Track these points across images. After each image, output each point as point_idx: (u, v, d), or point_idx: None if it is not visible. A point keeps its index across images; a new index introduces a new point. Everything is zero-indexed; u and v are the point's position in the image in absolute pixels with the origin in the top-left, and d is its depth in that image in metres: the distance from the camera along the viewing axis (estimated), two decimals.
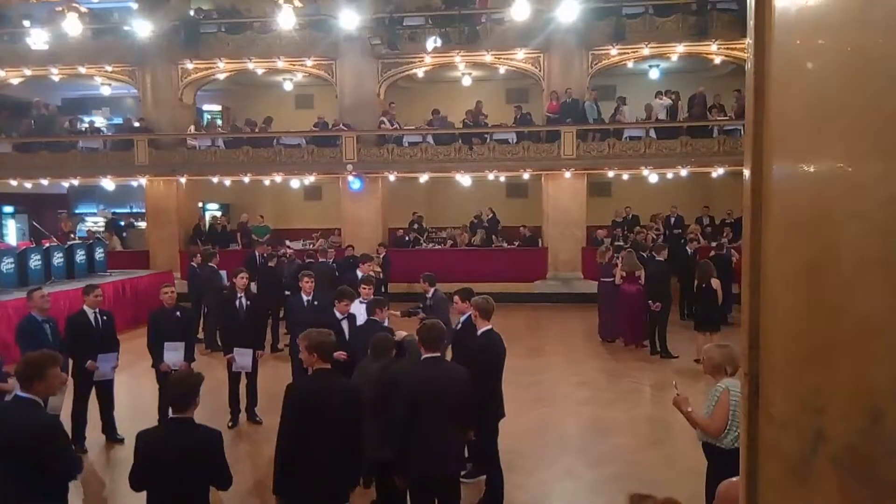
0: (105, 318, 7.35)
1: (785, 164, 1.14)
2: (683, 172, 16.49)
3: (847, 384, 0.93)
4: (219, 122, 20.76)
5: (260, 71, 17.99)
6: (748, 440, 1.19)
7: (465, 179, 17.31)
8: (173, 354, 7.27)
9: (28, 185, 18.28)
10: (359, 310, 7.30)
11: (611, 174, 17.23)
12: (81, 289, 7.74)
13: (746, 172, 1.23)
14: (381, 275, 12.69)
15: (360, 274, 9.97)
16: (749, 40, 1.24)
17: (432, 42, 16.15)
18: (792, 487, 1.07)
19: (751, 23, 1.23)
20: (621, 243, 14.57)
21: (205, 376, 3.86)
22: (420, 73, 17.86)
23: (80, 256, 14.03)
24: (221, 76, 18.41)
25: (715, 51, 16.48)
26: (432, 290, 8.18)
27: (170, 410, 3.75)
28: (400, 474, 4.48)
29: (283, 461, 4.03)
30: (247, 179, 17.86)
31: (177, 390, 3.67)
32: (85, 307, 7.24)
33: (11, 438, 3.65)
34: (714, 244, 14.62)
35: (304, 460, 3.97)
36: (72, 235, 17.79)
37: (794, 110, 1.12)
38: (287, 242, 16.54)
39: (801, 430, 1.03)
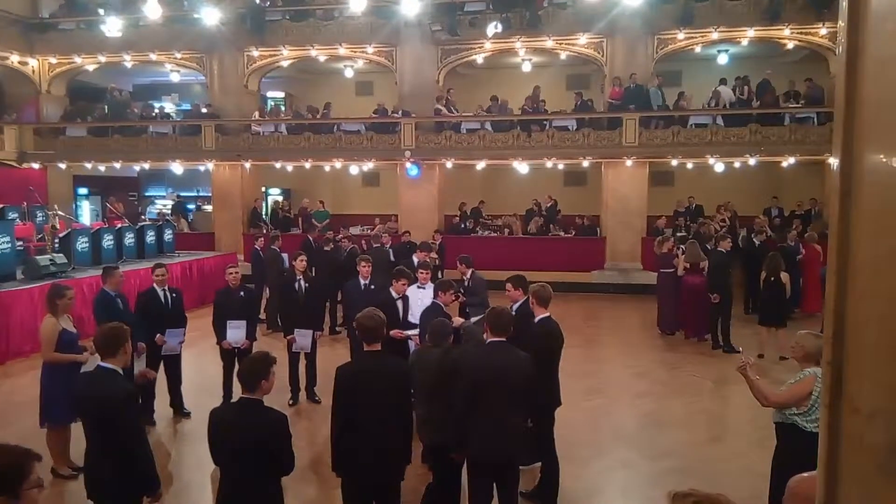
0: (174, 295, 7.64)
1: (880, 147, 1.08)
2: (752, 162, 15.91)
3: None
4: (282, 108, 21.19)
5: (322, 58, 18.25)
6: (829, 432, 1.15)
7: (522, 167, 17.17)
8: (235, 332, 7.51)
9: (101, 167, 19.11)
10: (416, 294, 7.38)
11: (674, 163, 16.78)
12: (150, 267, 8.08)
13: (836, 155, 1.18)
14: (438, 261, 12.76)
15: (415, 260, 10.04)
16: (841, 23, 1.19)
17: (493, 27, 16.03)
18: (878, 481, 1.03)
19: (843, 3, 1.18)
20: (683, 234, 14.22)
21: (276, 358, 3.91)
22: (479, 59, 17.77)
23: (149, 237, 14.60)
24: (285, 63, 18.77)
25: (787, 35, 15.81)
26: (469, 271, 8.20)
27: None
28: (458, 453, 4.53)
29: (336, 440, 4.14)
30: (308, 165, 18.19)
31: (245, 371, 3.75)
32: (154, 285, 7.55)
33: (95, 407, 3.87)
34: (780, 236, 14.13)
35: (356, 439, 4.05)
36: (142, 217, 18.52)
37: (891, 93, 1.07)
38: (350, 229, 16.71)
39: (891, 422, 0.99)
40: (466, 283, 8.14)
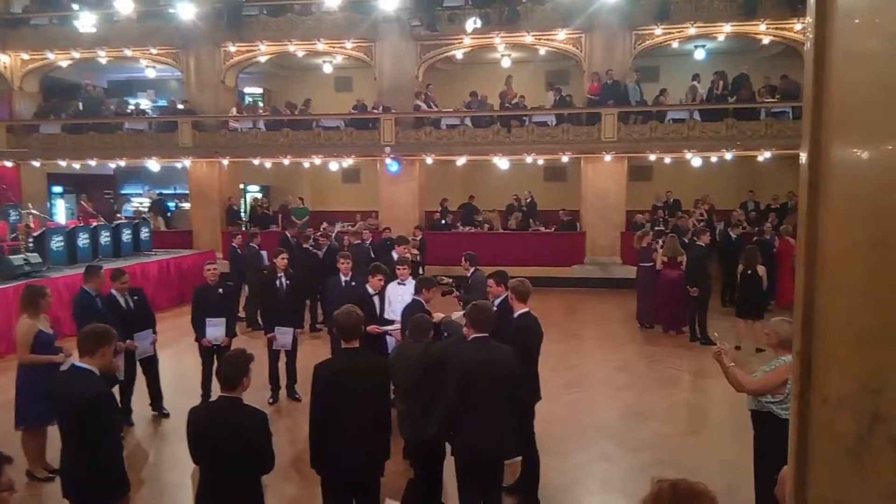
0: (136, 297, 7.37)
1: (848, 139, 1.10)
2: (728, 156, 16.10)
3: None
4: (260, 104, 21.01)
5: (300, 53, 18.10)
6: (799, 420, 1.17)
7: (502, 163, 17.21)
8: (215, 330, 7.45)
9: (76, 165, 18.79)
10: (396, 291, 7.38)
11: (652, 157, 16.91)
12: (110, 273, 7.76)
13: (804, 147, 1.19)
14: (419, 257, 12.75)
15: (395, 256, 10.04)
16: (809, 18, 1.21)
17: (472, 23, 16.02)
18: (845, 468, 1.05)
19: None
20: (661, 228, 14.35)
21: (254, 356, 3.91)
22: (459, 54, 17.76)
23: (126, 236, 14.40)
24: (263, 59, 18.59)
25: (763, 31, 15.99)
26: (472, 269, 8.21)
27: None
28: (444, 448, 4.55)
29: (314, 438, 4.13)
30: (287, 162, 18.05)
31: (226, 369, 3.72)
32: (114, 291, 7.22)
33: (65, 406, 3.83)
34: (756, 229, 14.33)
35: (334, 437, 4.05)
36: (118, 215, 18.27)
37: (859, 86, 1.09)
38: (336, 225, 16.51)
39: (858, 410, 1.01)
40: (468, 281, 8.17)
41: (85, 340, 4.00)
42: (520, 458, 5.54)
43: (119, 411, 4.29)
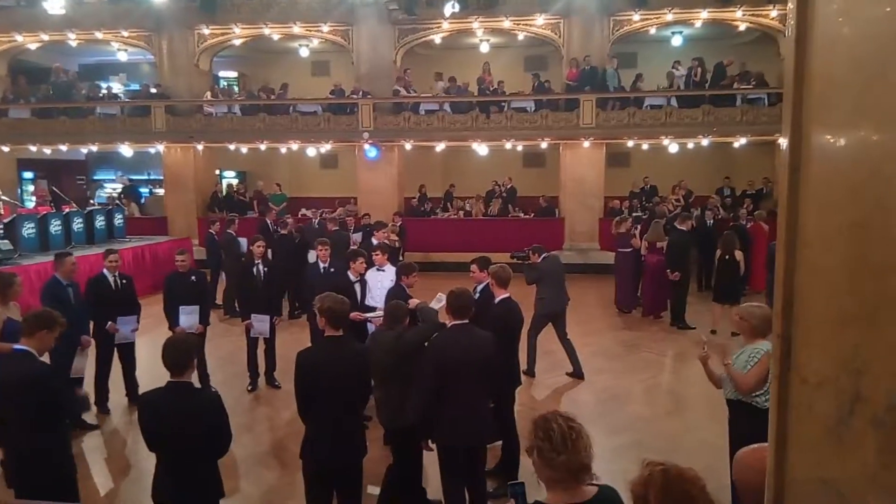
0: (124, 281, 7.42)
1: (828, 123, 1.10)
2: (705, 142, 16.24)
3: (891, 343, 0.91)
4: (235, 88, 20.69)
5: (276, 37, 17.85)
6: (779, 402, 1.18)
7: (481, 148, 17.17)
8: (188, 318, 7.36)
9: (47, 150, 18.40)
10: (375, 277, 7.34)
11: (630, 144, 17.00)
12: (102, 253, 7.84)
13: (785, 132, 1.19)
14: (399, 243, 12.70)
15: (374, 241, 9.99)
16: (791, 4, 1.21)
17: (450, 7, 15.91)
18: (825, 449, 1.05)
19: None
20: (639, 214, 14.46)
21: (199, 340, 3.94)
22: (437, 39, 17.63)
23: (99, 222, 14.15)
24: (237, 42, 18.30)
25: (740, 17, 16.09)
26: (542, 257, 8.45)
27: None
28: (425, 440, 4.54)
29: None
30: (263, 147, 17.84)
31: (171, 354, 3.67)
32: (104, 270, 7.32)
33: (6, 388, 3.83)
34: (731, 215, 14.50)
35: (317, 425, 4.04)
36: (91, 201, 17.95)
37: (839, 69, 1.08)
38: (321, 212, 16.33)
39: (838, 391, 1.01)
40: (536, 269, 8.47)
41: (25, 321, 4.04)
42: (500, 442, 5.58)
43: (66, 394, 4.28)
